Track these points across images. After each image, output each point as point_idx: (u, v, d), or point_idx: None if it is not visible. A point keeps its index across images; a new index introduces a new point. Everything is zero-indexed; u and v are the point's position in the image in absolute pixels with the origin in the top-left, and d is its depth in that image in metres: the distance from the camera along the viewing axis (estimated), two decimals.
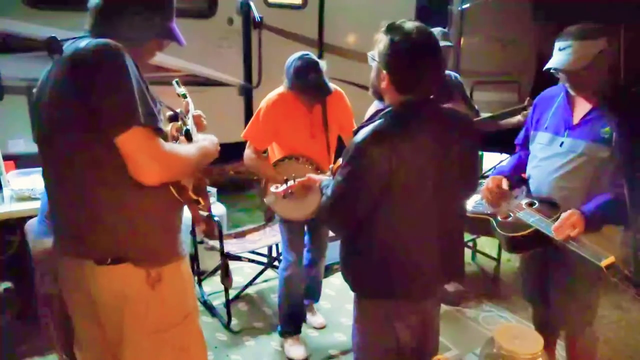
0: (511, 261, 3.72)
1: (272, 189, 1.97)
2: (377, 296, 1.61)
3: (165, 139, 1.31)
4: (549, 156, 1.91)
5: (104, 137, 1.18)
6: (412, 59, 1.41)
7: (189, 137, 1.44)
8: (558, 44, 1.80)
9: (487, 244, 3.80)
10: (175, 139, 1.40)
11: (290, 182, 1.91)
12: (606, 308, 3.04)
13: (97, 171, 1.23)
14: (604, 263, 1.54)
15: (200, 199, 1.44)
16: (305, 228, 2.65)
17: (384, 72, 1.45)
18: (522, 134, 2.16)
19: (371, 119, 1.52)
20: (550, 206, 1.83)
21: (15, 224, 2.39)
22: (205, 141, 1.47)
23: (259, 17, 4.14)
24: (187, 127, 1.47)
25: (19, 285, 2.80)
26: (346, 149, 1.50)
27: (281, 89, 2.46)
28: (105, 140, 1.18)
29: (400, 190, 1.45)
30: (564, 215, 1.69)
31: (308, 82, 2.29)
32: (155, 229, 1.34)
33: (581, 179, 1.81)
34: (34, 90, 1.34)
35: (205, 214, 3.06)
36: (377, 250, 1.54)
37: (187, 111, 1.62)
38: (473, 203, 2.10)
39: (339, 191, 1.50)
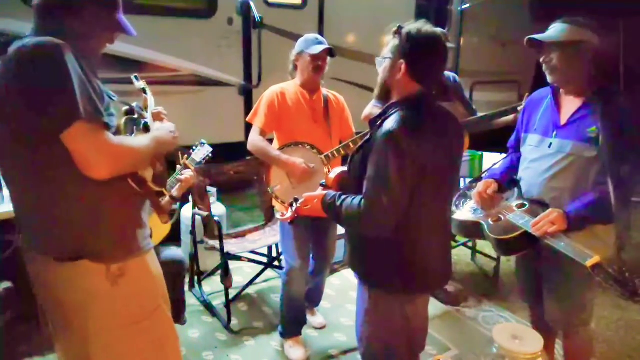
0: (511, 261, 3.71)
1: (278, 216, 1.87)
2: (400, 289, 1.64)
3: (119, 133, 1.30)
4: (538, 157, 1.91)
5: (51, 134, 1.17)
6: (429, 46, 1.54)
7: (147, 130, 1.43)
8: (550, 26, 1.85)
9: (487, 244, 3.78)
10: (131, 132, 1.38)
11: (295, 205, 1.81)
12: (606, 308, 3.05)
13: (50, 168, 1.24)
14: (589, 263, 1.55)
15: (163, 190, 1.42)
16: (310, 232, 2.66)
17: (402, 62, 1.52)
18: (513, 136, 2.17)
19: (385, 114, 1.57)
20: (540, 207, 1.83)
21: (15, 224, 2.39)
22: (159, 130, 1.45)
23: (259, 17, 4.14)
24: (146, 120, 1.46)
25: (19, 285, 2.79)
26: (377, 145, 1.48)
27: (284, 84, 2.55)
28: (52, 137, 1.18)
29: (430, 179, 1.51)
30: (544, 213, 1.72)
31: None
32: (112, 223, 1.33)
33: (570, 179, 1.81)
34: None
35: (205, 213, 3.07)
36: (406, 244, 1.57)
37: (146, 107, 1.61)
38: (468, 208, 2.10)
39: (384, 189, 1.46)
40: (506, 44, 6.14)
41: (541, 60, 1.86)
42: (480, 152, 3.71)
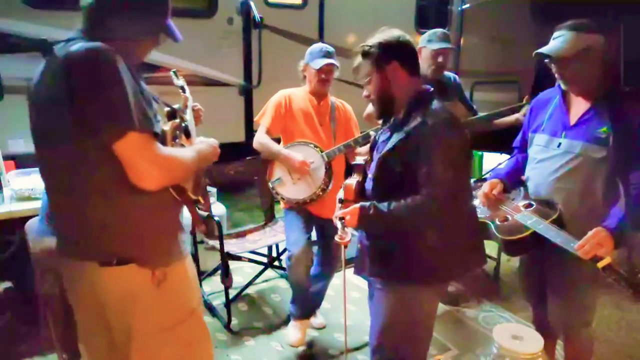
0: (511, 261, 3.71)
1: (338, 240, 1.67)
2: (445, 277, 1.76)
3: (164, 139, 1.31)
4: (546, 158, 1.91)
5: (101, 143, 1.17)
6: (406, 40, 1.66)
7: (187, 134, 1.44)
8: (554, 35, 1.83)
9: (487, 244, 3.78)
10: (175, 138, 1.40)
11: (344, 224, 1.68)
12: (606, 308, 3.05)
13: (97, 175, 1.23)
14: (600, 264, 1.55)
15: (200, 198, 1.44)
16: (317, 234, 2.74)
17: (390, 62, 1.60)
18: (519, 137, 2.17)
19: (409, 115, 1.62)
20: (547, 207, 1.83)
21: (15, 224, 2.39)
22: (203, 144, 1.47)
23: (259, 17, 4.14)
24: (186, 123, 1.46)
25: (19, 285, 2.80)
26: (427, 142, 1.53)
27: (295, 88, 2.69)
28: (102, 145, 1.17)
29: (468, 171, 1.71)
30: (589, 233, 1.64)
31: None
32: (157, 230, 1.35)
33: (579, 179, 1.81)
34: (29, 88, 1.32)
35: (205, 213, 3.07)
36: (454, 230, 1.62)
37: (186, 106, 1.61)
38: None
39: (452, 175, 1.52)
40: (506, 44, 6.14)
41: (552, 70, 1.85)
42: (480, 152, 3.71)
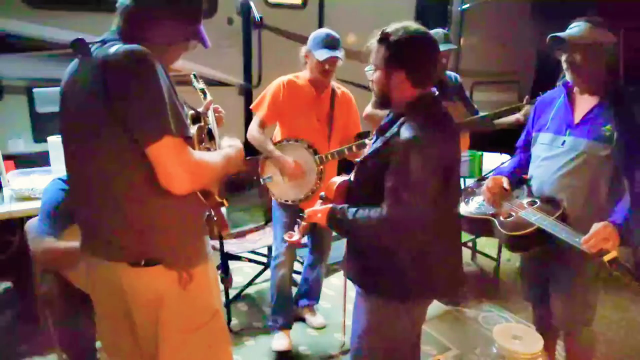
0: (511, 261, 3.72)
1: (286, 237, 1.77)
2: (415, 296, 1.59)
3: (192, 143, 1.32)
4: (551, 156, 1.91)
5: (136, 145, 1.18)
6: (423, 49, 1.50)
7: (211, 137, 1.46)
8: (569, 26, 1.84)
9: (487, 244, 3.80)
10: (201, 141, 1.41)
11: (301, 224, 1.76)
12: (606, 308, 3.05)
13: (128, 177, 1.24)
14: (606, 257, 1.55)
15: (224, 201, 1.44)
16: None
17: (400, 71, 1.49)
18: (522, 136, 2.17)
19: (394, 122, 1.54)
20: (551, 204, 1.84)
21: (15, 224, 2.39)
22: (231, 148, 1.48)
23: (259, 17, 4.14)
24: (209, 125, 1.48)
25: (19, 285, 2.80)
26: (400, 154, 1.44)
27: (296, 73, 2.56)
28: (136, 147, 1.18)
29: (450, 183, 1.50)
30: (594, 227, 1.64)
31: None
32: (185, 232, 1.36)
33: (583, 177, 1.82)
34: (61, 86, 1.33)
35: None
36: (424, 250, 1.52)
37: (208, 108, 1.61)
38: (476, 204, 2.10)
39: (413, 194, 1.41)
40: (506, 44, 6.13)
41: (563, 59, 1.85)
42: (480, 152, 3.71)
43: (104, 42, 1.26)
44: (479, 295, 3.29)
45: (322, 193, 1.74)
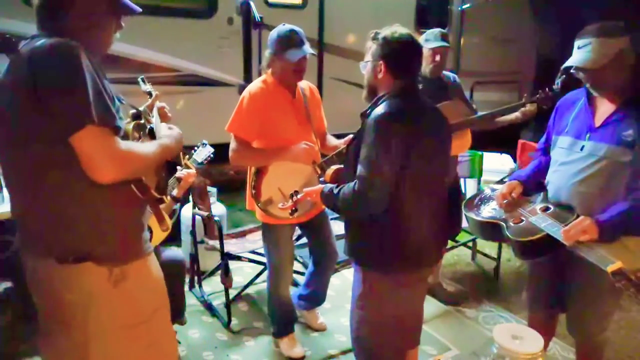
0: (511, 261, 3.72)
1: (280, 205, 1.91)
2: (394, 268, 1.73)
3: (126, 137, 1.31)
4: (569, 161, 1.85)
5: (60, 136, 1.18)
6: (403, 47, 1.72)
7: (152, 136, 1.43)
8: (577, 43, 1.75)
9: (487, 244, 3.80)
10: (137, 138, 1.39)
11: (296, 197, 1.89)
12: None
13: (56, 170, 1.23)
14: (610, 268, 1.51)
15: (165, 197, 1.42)
16: (306, 235, 2.69)
17: (381, 62, 1.70)
18: (543, 138, 2.10)
19: (375, 105, 1.72)
20: (565, 211, 1.78)
21: (15, 224, 2.39)
22: (167, 138, 1.45)
23: (259, 17, 4.14)
24: (152, 125, 1.46)
25: (19, 285, 2.79)
26: (367, 130, 1.63)
27: (263, 77, 2.37)
28: (61, 139, 1.18)
29: (417, 162, 1.63)
30: (576, 220, 1.64)
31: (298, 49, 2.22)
32: (116, 227, 1.34)
33: (601, 183, 1.74)
34: None
35: (205, 213, 3.08)
36: (397, 225, 1.68)
37: (151, 108, 1.60)
38: (489, 209, 2.05)
39: (374, 167, 1.59)
40: (506, 44, 6.14)
41: (583, 81, 1.80)
42: (480, 152, 3.71)
43: (32, 38, 1.27)
44: (479, 295, 3.29)
45: (322, 178, 1.90)
